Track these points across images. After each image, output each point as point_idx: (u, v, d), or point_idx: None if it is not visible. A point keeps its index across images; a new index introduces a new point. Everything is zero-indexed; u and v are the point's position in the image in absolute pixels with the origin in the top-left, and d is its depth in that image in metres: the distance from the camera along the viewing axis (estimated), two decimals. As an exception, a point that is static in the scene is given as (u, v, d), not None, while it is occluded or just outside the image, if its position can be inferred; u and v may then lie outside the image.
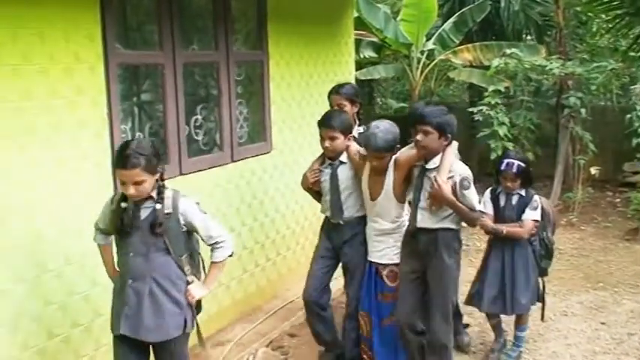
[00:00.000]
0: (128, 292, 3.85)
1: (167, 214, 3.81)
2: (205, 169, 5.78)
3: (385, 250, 4.93)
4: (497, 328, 5.66)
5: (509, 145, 9.55)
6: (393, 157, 4.77)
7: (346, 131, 5.01)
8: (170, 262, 3.87)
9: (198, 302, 4.08)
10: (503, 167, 5.32)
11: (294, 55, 7.10)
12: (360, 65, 12.08)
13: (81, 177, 4.55)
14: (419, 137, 4.54)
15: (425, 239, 4.69)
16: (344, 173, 5.08)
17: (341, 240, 5.19)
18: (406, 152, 4.73)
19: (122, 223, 3.84)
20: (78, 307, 4.58)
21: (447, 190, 4.48)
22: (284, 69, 6.94)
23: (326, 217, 5.31)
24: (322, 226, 5.40)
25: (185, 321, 3.94)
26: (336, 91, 5.55)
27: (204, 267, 4.14)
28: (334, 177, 5.10)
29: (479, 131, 10.29)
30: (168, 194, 3.86)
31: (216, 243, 3.97)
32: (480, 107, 10.23)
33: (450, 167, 4.55)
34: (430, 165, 4.62)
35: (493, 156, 9.47)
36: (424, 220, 4.66)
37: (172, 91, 5.34)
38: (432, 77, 13.28)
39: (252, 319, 6.32)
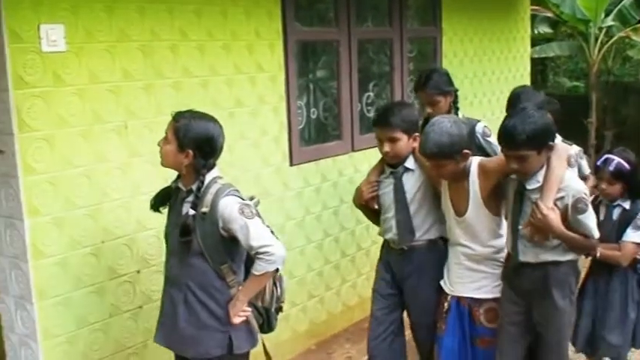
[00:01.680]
0: (164, 299, 3.42)
1: (203, 213, 3.18)
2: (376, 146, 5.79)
3: (482, 282, 3.77)
4: None
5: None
6: (475, 161, 3.67)
7: (410, 129, 3.83)
8: (208, 270, 3.24)
9: (268, 319, 3.51)
10: (599, 163, 4.26)
11: (467, 31, 6.96)
12: (533, 42, 11.68)
13: (259, 150, 4.71)
14: (515, 166, 3.42)
15: (530, 276, 3.56)
16: (410, 183, 3.88)
17: (405, 271, 3.98)
18: (497, 160, 3.67)
19: (156, 205, 3.46)
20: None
21: (553, 219, 3.34)
22: (457, 45, 6.83)
23: (385, 241, 4.13)
24: (381, 254, 4.20)
25: (231, 339, 3.28)
26: (423, 85, 4.49)
27: (277, 283, 3.49)
28: (399, 188, 3.90)
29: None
30: (212, 189, 3.22)
31: (257, 254, 3.17)
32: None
33: (561, 184, 3.39)
34: (531, 184, 3.44)
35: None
36: (527, 253, 3.53)
37: (347, 67, 5.40)
38: (610, 55, 12.62)
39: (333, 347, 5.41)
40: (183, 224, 3.18)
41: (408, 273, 3.95)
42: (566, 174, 3.42)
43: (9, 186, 3.50)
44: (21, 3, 3.38)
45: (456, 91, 4.55)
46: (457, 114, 4.44)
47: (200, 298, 3.25)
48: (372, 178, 4.04)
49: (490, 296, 3.74)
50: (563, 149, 3.46)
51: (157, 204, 3.44)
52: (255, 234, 3.15)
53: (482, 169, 3.62)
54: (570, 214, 3.39)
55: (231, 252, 3.26)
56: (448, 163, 3.55)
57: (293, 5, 4.91)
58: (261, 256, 3.16)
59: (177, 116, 3.26)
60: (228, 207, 3.16)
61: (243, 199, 3.24)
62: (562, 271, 3.53)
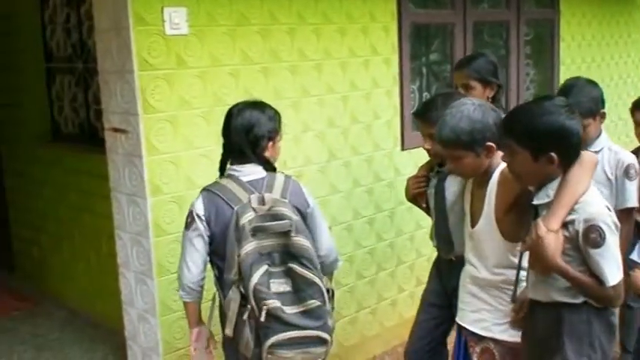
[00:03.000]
0: None
1: None
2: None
3: (483, 314, 3.02)
4: None
5: None
6: (502, 165, 2.85)
7: None
8: None
9: None
10: None
11: (586, 14, 6.72)
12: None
13: (370, 134, 4.70)
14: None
15: (543, 318, 2.72)
16: (453, 188, 3.27)
17: (452, 284, 3.37)
18: None
19: None
20: (403, 246, 5.00)
21: (549, 246, 2.49)
22: (575, 28, 6.60)
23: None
24: (434, 261, 3.78)
25: None
26: (461, 65, 3.95)
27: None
28: (439, 192, 3.35)
29: None
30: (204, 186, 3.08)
31: None
32: None
33: (575, 204, 2.54)
34: (539, 199, 2.64)
35: None
36: (537, 288, 2.72)
37: (461, 50, 5.30)
38: None
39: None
40: None
41: (454, 287, 3.29)
42: (590, 191, 2.58)
43: (133, 165, 3.62)
44: (146, -14, 3.47)
45: (499, 86, 3.90)
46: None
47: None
48: (420, 172, 3.59)
49: (488, 335, 2.99)
50: (590, 159, 2.67)
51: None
52: (182, 246, 3.01)
53: (503, 177, 2.85)
54: (582, 246, 2.52)
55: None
56: (466, 154, 2.87)
57: (408, -14, 4.87)
58: None
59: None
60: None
61: (198, 206, 2.95)
62: (581, 317, 2.62)
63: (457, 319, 3.16)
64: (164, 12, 3.52)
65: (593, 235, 2.48)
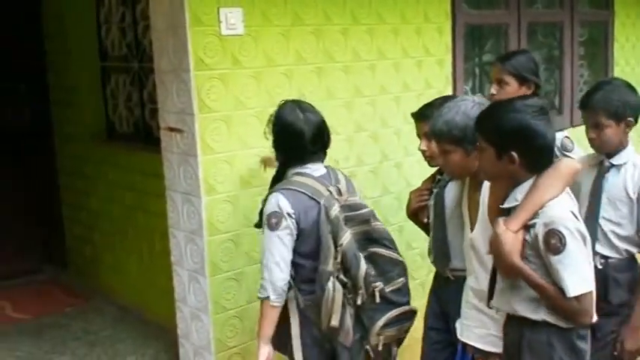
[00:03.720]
0: None
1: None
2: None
3: (489, 329, 2.78)
4: None
5: None
6: None
7: None
8: None
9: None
10: None
11: (641, 15, 6.62)
12: None
13: (424, 135, 4.67)
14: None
15: (510, 332, 2.62)
16: (452, 192, 3.06)
17: (449, 306, 3.13)
18: None
19: None
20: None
21: (505, 243, 2.40)
22: (629, 30, 6.51)
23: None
24: (433, 280, 3.41)
25: None
26: (499, 59, 3.78)
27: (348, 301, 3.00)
28: (438, 200, 3.10)
29: None
30: (279, 185, 3.06)
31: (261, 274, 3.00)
32: None
33: (540, 207, 2.41)
34: (509, 202, 2.51)
35: None
36: (500, 296, 2.57)
37: (515, 51, 5.26)
38: None
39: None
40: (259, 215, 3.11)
41: (453, 310, 3.00)
42: (559, 198, 2.43)
43: (188, 164, 3.64)
44: (203, -14, 3.50)
45: (537, 86, 3.67)
46: None
47: None
48: (423, 185, 3.40)
49: (498, 351, 2.76)
50: (566, 167, 2.53)
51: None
52: (263, 248, 2.99)
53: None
54: (543, 254, 2.38)
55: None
56: (455, 150, 2.78)
57: (462, -13, 4.84)
58: (261, 277, 3.00)
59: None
60: (267, 205, 2.98)
61: (284, 204, 2.93)
62: (540, 337, 2.47)
63: (463, 338, 2.90)
64: (220, 12, 3.54)
65: (553, 241, 2.33)
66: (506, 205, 2.51)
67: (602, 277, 3.10)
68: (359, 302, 2.93)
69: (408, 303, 3.09)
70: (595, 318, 2.46)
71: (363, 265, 2.92)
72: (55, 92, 5.99)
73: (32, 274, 6.21)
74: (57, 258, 6.36)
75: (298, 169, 3.04)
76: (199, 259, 3.72)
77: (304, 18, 3.90)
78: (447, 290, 3.14)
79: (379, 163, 4.40)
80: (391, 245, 3.05)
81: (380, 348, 3.01)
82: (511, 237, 2.39)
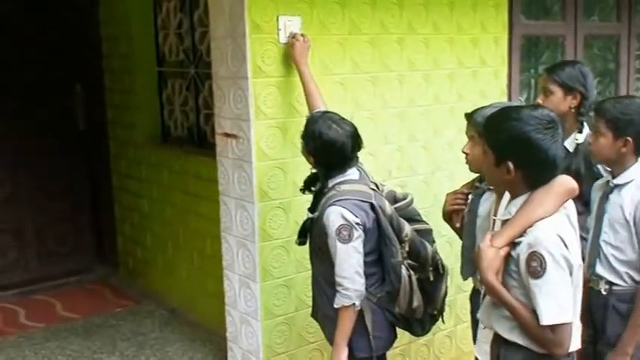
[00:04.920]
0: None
1: (318, 217, 3.10)
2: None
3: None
4: None
5: None
6: None
7: None
8: (330, 270, 3.09)
9: (410, 324, 3.31)
10: None
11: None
12: None
13: (477, 146, 4.63)
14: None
15: (493, 350, 2.52)
16: (487, 205, 2.99)
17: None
18: None
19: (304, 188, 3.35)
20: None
21: (485, 259, 2.32)
22: (689, 43, 6.36)
23: None
24: (470, 294, 3.42)
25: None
26: (548, 68, 3.72)
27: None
28: (472, 208, 3.11)
29: None
30: (329, 194, 3.07)
31: (337, 284, 3.02)
32: None
33: (530, 225, 2.29)
34: (503, 214, 2.47)
35: None
36: (483, 311, 2.56)
37: (571, 63, 5.19)
38: None
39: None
40: (301, 225, 3.27)
41: None
42: (551, 217, 2.30)
43: (242, 170, 3.68)
44: (262, -6, 3.53)
45: (585, 97, 3.53)
46: (581, 126, 3.50)
47: (328, 295, 3.14)
48: (461, 188, 3.36)
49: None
50: (560, 185, 2.38)
51: (305, 187, 3.33)
52: (340, 261, 2.99)
53: None
54: (524, 275, 2.27)
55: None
56: (479, 144, 2.75)
57: (520, -3, 4.79)
58: (338, 287, 3.02)
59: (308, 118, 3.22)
60: (329, 218, 2.98)
61: (349, 215, 2.97)
62: (516, 359, 2.38)
63: (475, 352, 2.80)
64: (279, 20, 3.57)
65: (534, 264, 2.21)
66: (498, 217, 2.49)
67: (603, 304, 3.07)
68: (431, 278, 3.24)
69: None
70: (574, 348, 2.36)
71: (429, 247, 3.25)
72: (110, 95, 6.10)
73: (83, 274, 6.33)
74: (108, 259, 6.47)
75: (340, 179, 3.10)
76: (251, 264, 3.75)
77: (361, 27, 3.91)
78: (479, 304, 3.02)
79: (431, 174, 4.38)
80: (420, 217, 3.39)
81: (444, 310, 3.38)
82: (492, 253, 2.30)
